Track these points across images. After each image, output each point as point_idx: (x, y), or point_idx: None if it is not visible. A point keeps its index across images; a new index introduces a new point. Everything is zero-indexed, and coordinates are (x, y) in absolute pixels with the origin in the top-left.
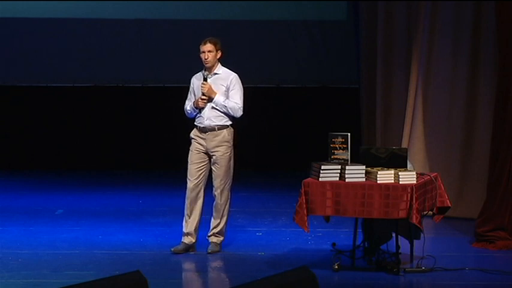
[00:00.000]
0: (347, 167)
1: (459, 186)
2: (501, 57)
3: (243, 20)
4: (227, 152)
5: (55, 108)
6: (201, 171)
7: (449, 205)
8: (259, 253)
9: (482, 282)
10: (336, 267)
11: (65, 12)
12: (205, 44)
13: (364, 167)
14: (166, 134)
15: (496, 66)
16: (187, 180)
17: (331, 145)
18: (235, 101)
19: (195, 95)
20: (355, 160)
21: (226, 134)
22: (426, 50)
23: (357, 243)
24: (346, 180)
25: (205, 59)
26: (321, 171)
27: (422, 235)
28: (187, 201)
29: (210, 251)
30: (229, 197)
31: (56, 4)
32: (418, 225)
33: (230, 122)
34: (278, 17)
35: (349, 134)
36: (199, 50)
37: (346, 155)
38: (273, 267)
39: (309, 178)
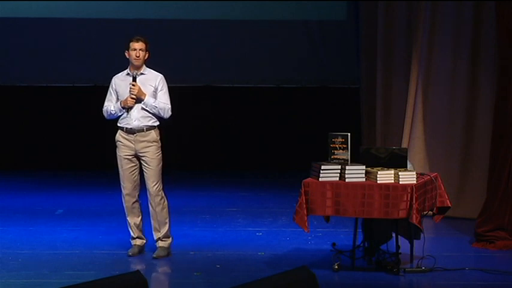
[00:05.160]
0: (347, 167)
1: (459, 186)
2: (501, 58)
3: (243, 20)
4: (157, 153)
5: (55, 108)
6: (134, 176)
7: (449, 205)
8: (259, 253)
9: (482, 282)
10: (336, 267)
11: (64, 12)
12: (137, 41)
13: (364, 167)
14: (166, 133)
15: (496, 66)
16: (122, 187)
17: (331, 145)
18: (164, 102)
19: (118, 96)
20: (355, 160)
21: (155, 135)
22: (426, 50)
23: (357, 243)
24: (346, 180)
25: (137, 57)
26: (321, 171)
27: (422, 235)
28: (126, 209)
29: (155, 255)
30: (165, 199)
31: (56, 4)
32: (418, 225)
33: (158, 123)
34: (278, 17)
35: (349, 134)
36: (128, 47)
37: (346, 155)
38: (273, 267)
39: (309, 178)
